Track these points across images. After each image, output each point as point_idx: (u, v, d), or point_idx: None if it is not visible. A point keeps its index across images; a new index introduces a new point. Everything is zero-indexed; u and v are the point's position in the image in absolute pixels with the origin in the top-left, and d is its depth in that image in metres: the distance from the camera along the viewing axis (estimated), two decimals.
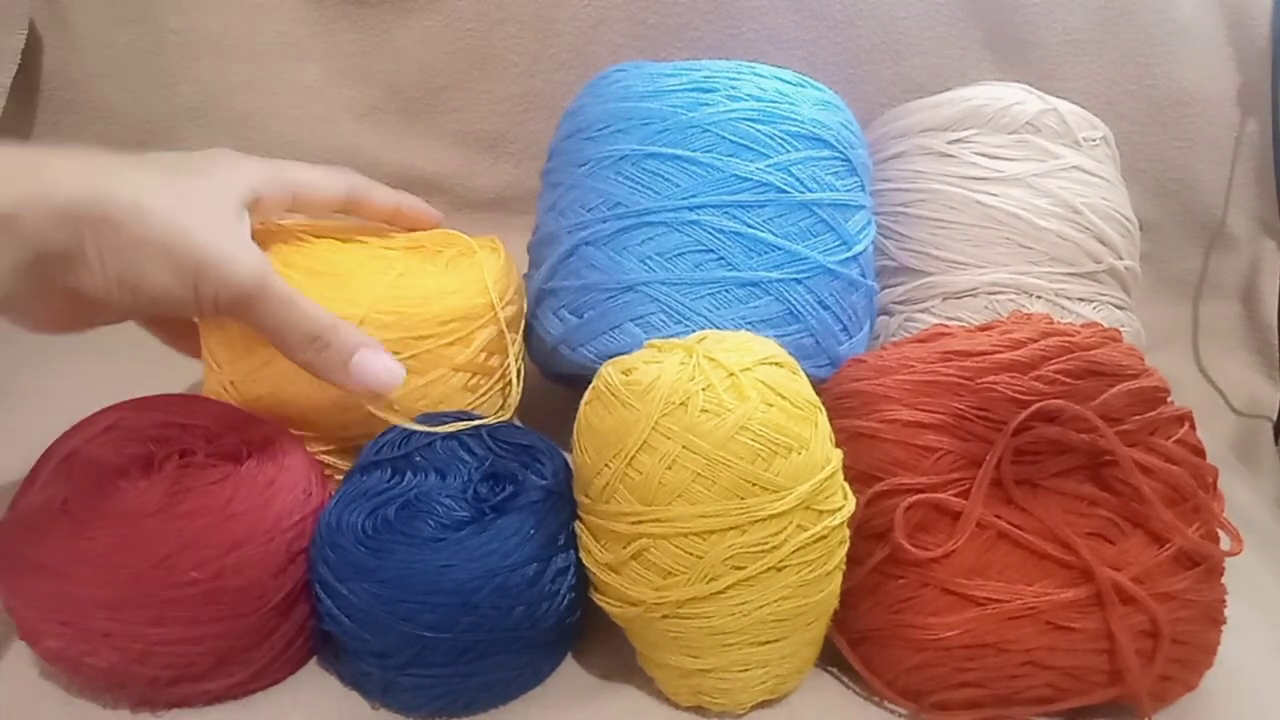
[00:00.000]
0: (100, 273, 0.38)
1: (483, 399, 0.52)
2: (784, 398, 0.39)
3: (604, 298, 0.51)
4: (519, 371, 0.55)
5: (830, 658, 0.45)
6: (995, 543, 0.41)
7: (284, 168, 0.48)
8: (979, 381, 0.43)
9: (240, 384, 0.49)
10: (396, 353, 0.47)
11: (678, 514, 0.38)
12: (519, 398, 0.55)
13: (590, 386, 0.42)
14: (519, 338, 0.55)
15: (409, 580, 0.39)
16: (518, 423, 0.51)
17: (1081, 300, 0.57)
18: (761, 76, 0.53)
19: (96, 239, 0.37)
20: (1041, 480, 0.42)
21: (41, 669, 0.43)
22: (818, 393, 0.43)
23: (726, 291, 0.50)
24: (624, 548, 0.39)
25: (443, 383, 0.50)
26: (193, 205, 0.40)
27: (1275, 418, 0.68)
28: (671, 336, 0.44)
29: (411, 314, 0.49)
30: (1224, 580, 0.43)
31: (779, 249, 0.50)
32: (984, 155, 0.58)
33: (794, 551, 0.39)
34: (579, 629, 0.45)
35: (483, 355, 0.51)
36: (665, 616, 0.40)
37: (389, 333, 0.48)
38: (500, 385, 0.53)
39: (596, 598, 0.42)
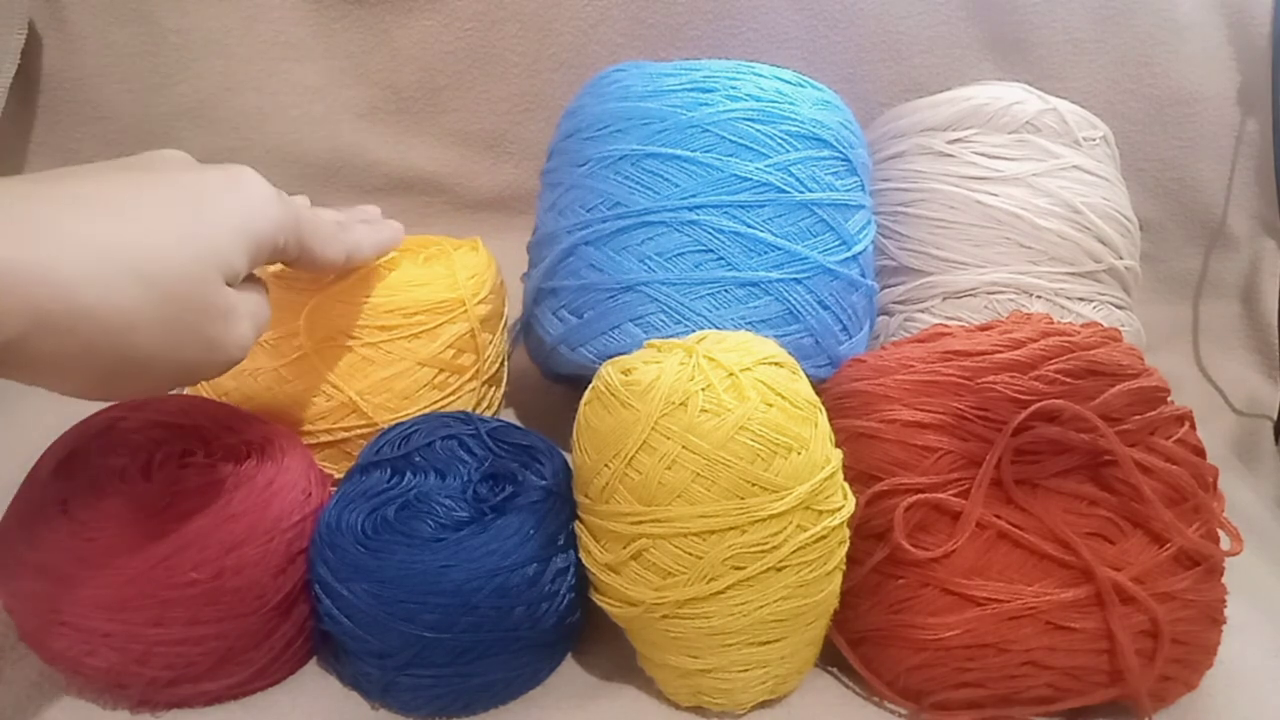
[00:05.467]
0: (59, 383, 0.32)
1: (452, 398, 0.52)
2: (784, 398, 0.39)
3: (604, 298, 0.51)
4: (502, 362, 0.55)
5: (830, 658, 0.45)
6: (995, 543, 0.41)
7: (301, 221, 0.39)
8: (979, 381, 0.43)
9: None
10: (358, 339, 0.49)
11: (677, 514, 0.38)
12: (501, 399, 0.54)
13: (590, 386, 0.42)
14: (497, 338, 0.55)
15: (409, 580, 0.39)
16: (518, 423, 0.51)
17: (1081, 300, 0.57)
18: (761, 76, 0.53)
19: (37, 348, 0.29)
20: (1041, 480, 0.42)
21: (41, 669, 0.43)
22: (818, 393, 0.43)
23: (726, 291, 0.50)
24: (624, 548, 0.39)
25: (407, 376, 0.50)
26: (154, 281, 0.31)
27: (1275, 418, 0.68)
28: (671, 336, 0.44)
29: (376, 304, 0.49)
30: (1224, 580, 0.43)
31: (779, 249, 0.50)
32: (984, 155, 0.58)
33: (794, 551, 0.39)
34: (579, 629, 0.45)
35: (450, 352, 0.51)
36: (665, 617, 0.39)
37: (353, 320, 0.48)
38: (474, 385, 0.53)
39: (596, 598, 0.42)
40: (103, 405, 0.45)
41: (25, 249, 0.29)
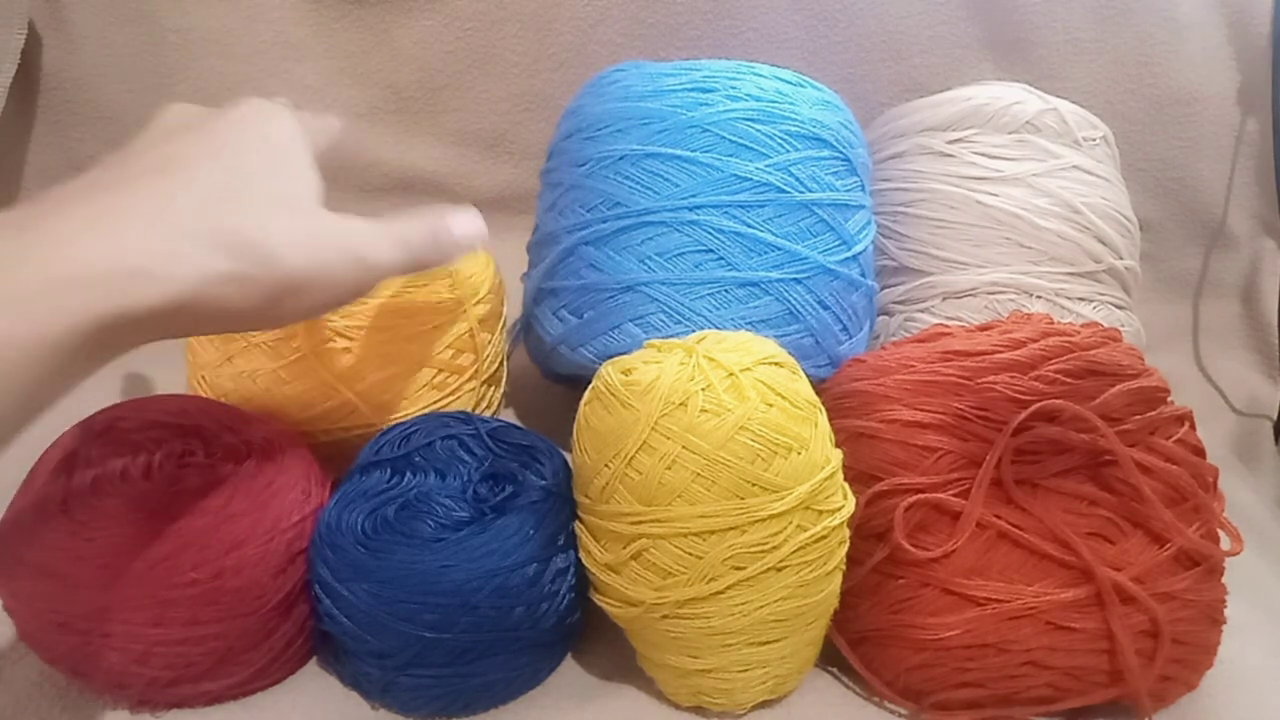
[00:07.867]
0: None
1: (452, 398, 0.52)
2: (784, 398, 0.39)
3: (604, 298, 0.51)
4: (501, 362, 0.55)
5: (830, 658, 0.45)
6: (995, 543, 0.41)
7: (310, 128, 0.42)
8: (979, 381, 0.43)
9: (209, 378, 0.51)
10: (358, 339, 0.49)
11: (677, 514, 0.38)
12: (501, 399, 0.54)
13: (590, 386, 0.42)
14: (497, 338, 0.55)
15: (409, 581, 0.39)
16: (518, 423, 0.51)
17: (1081, 300, 0.57)
18: (761, 76, 0.53)
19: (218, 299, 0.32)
20: (1041, 480, 0.42)
21: (41, 669, 0.43)
22: (818, 393, 0.43)
23: (726, 291, 0.50)
24: (624, 548, 0.39)
25: (407, 376, 0.50)
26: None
27: (1275, 418, 0.68)
28: (671, 336, 0.44)
29: (376, 304, 0.49)
30: (1224, 580, 0.43)
31: (779, 249, 0.50)
32: (984, 155, 0.58)
33: (794, 552, 0.39)
34: (579, 629, 0.45)
35: (450, 352, 0.51)
36: (665, 617, 0.39)
37: (351, 322, 0.49)
38: (473, 385, 0.53)
39: (596, 598, 0.42)
40: (103, 405, 0.45)
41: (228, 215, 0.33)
